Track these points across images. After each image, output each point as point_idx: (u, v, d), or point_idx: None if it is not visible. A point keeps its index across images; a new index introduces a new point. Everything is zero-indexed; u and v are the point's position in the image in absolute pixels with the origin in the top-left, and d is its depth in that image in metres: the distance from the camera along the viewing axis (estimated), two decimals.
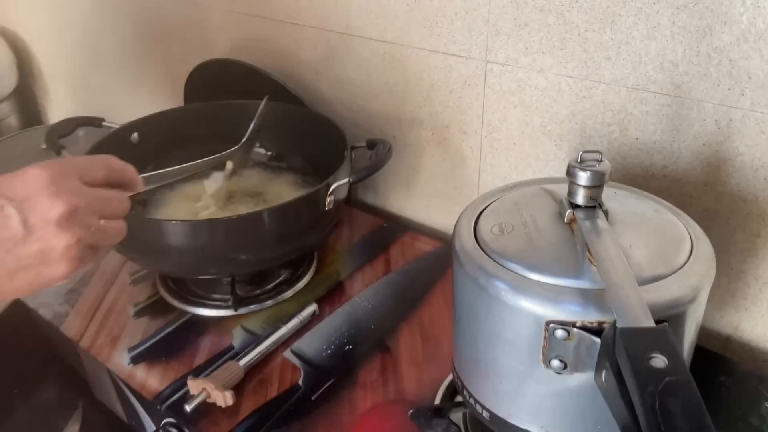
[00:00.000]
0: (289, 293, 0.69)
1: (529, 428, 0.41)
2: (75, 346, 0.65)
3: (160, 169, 0.52)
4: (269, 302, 0.68)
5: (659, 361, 0.29)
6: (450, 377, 0.57)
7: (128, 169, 0.43)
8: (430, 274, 0.72)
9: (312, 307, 0.66)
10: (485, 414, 0.44)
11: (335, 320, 0.66)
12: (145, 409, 0.61)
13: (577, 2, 0.59)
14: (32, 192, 0.37)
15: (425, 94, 0.76)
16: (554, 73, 0.63)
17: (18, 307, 0.70)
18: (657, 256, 0.39)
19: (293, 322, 0.64)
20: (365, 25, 0.76)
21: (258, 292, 0.69)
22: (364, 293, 0.69)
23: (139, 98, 1.12)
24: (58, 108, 1.30)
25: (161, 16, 1.00)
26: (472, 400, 0.45)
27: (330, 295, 0.69)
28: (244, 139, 0.71)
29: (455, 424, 0.51)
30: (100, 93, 1.19)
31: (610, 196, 0.45)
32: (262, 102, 0.74)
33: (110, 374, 0.62)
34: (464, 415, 0.53)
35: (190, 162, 0.58)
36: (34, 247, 0.37)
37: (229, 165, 0.71)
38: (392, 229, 0.81)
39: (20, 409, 0.77)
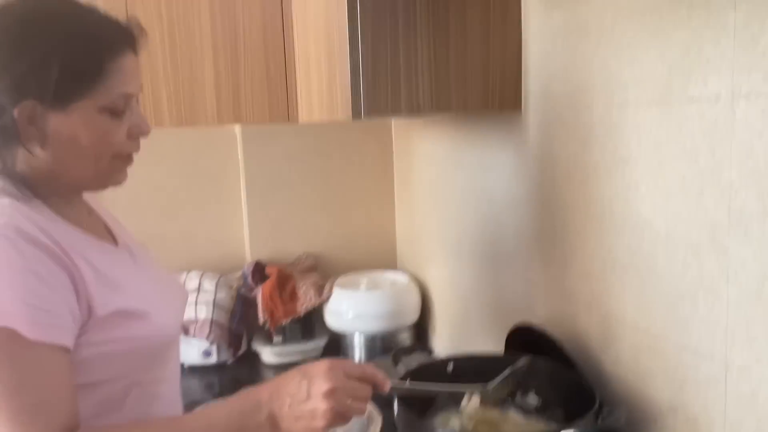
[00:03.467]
0: None
1: None
2: None
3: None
4: None
5: None
6: None
7: (378, 375, 0.75)
8: None
9: None
10: None
11: None
12: None
13: None
14: (316, 374, 0.73)
15: (679, 384, 0.86)
16: None
17: None
18: None
19: None
20: (637, 318, 0.93)
21: None
22: None
23: (472, 337, 1.44)
24: (439, 339, 1.72)
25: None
26: None
27: None
28: (494, 383, 0.93)
29: None
30: (465, 334, 1.56)
31: None
32: (522, 361, 0.96)
33: None
34: None
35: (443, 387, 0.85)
36: (309, 406, 0.73)
37: (475, 400, 0.93)
38: None
39: None
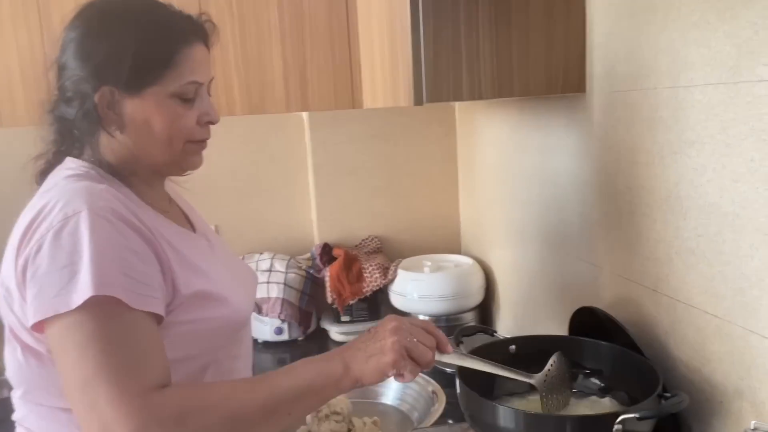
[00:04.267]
0: None
1: None
2: None
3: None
4: None
5: None
6: None
7: (441, 335, 0.81)
8: None
9: None
10: None
11: None
12: None
13: None
14: (382, 322, 0.81)
15: (746, 368, 0.85)
16: None
17: None
18: None
19: None
20: (703, 301, 0.92)
21: None
22: None
23: (536, 319, 1.45)
24: (503, 322, 1.74)
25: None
26: None
27: None
28: (542, 373, 0.94)
29: None
30: (528, 317, 1.56)
31: None
32: (553, 357, 0.96)
33: None
34: None
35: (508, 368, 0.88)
36: (378, 344, 0.80)
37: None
38: None
39: None
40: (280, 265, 1.79)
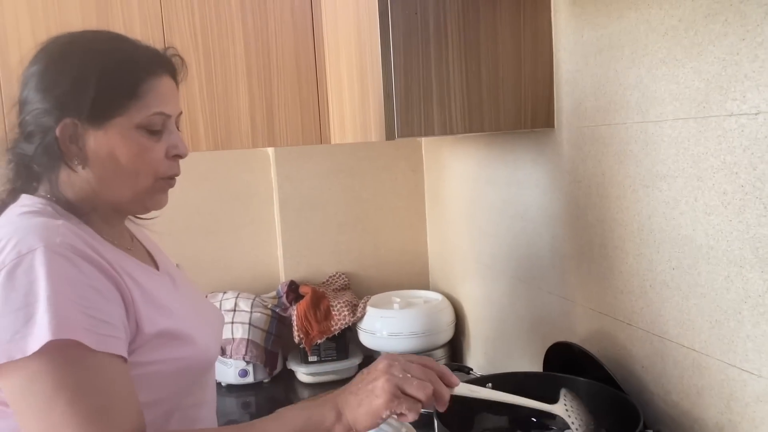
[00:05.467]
0: None
1: None
2: None
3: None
4: None
5: None
6: None
7: (443, 368, 0.77)
8: None
9: None
10: None
11: None
12: None
13: None
14: (378, 362, 0.76)
15: (725, 402, 0.84)
16: None
17: None
18: None
19: None
20: (679, 334, 0.92)
21: None
22: None
23: (509, 355, 1.43)
24: (474, 358, 1.71)
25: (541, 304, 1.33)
26: None
27: None
28: (561, 402, 0.93)
29: None
30: (501, 353, 1.55)
31: None
32: (562, 393, 0.95)
33: None
34: None
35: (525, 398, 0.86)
36: (368, 386, 0.75)
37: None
38: None
39: None
40: (245, 305, 1.73)
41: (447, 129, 1.13)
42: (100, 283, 0.78)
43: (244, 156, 1.86)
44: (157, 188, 0.91)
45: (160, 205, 0.94)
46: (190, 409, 0.92)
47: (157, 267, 0.99)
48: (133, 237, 1.00)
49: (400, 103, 1.10)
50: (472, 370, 1.10)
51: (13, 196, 0.90)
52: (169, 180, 0.93)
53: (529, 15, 1.15)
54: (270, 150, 1.85)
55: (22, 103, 0.88)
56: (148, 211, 0.95)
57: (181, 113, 0.94)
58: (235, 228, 1.88)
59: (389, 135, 1.11)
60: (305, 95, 1.58)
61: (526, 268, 1.36)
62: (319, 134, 1.60)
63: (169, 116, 0.90)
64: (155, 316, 0.85)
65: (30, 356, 0.71)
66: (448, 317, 1.70)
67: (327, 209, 1.88)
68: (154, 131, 0.88)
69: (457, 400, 0.83)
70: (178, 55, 0.94)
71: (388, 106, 1.10)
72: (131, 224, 1.02)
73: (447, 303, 1.73)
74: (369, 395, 0.76)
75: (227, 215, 1.88)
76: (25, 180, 0.89)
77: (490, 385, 1.04)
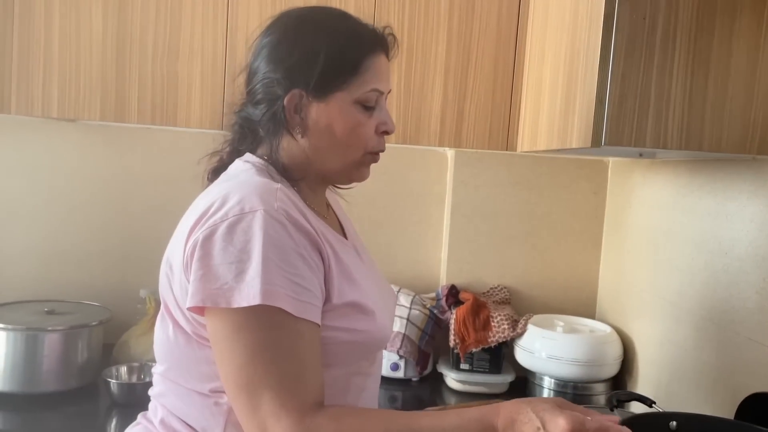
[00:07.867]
0: None
1: None
2: None
3: None
4: None
5: None
6: None
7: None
8: None
9: None
10: None
11: None
12: None
13: None
14: (553, 414, 0.70)
15: None
16: None
17: None
18: None
19: None
20: None
21: None
22: None
23: (684, 402, 1.29)
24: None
25: None
26: None
27: None
28: None
29: None
30: (676, 399, 1.41)
31: None
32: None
33: None
34: None
35: None
36: None
37: None
38: None
39: None
40: (404, 300, 1.75)
41: (660, 142, 1.05)
42: (306, 251, 0.82)
43: (424, 155, 1.88)
44: (363, 162, 0.95)
45: (362, 177, 0.97)
46: (359, 378, 0.93)
47: (345, 236, 1.02)
48: (329, 207, 1.05)
49: (611, 110, 1.04)
50: (654, 403, 1.00)
51: (232, 157, 0.98)
52: (375, 155, 0.96)
53: None
54: (450, 152, 1.86)
55: (253, 72, 0.94)
56: (351, 182, 0.98)
57: (390, 91, 0.97)
58: (404, 224, 1.91)
59: (595, 142, 1.05)
60: (498, 100, 1.56)
61: (722, 310, 1.22)
62: (506, 141, 1.58)
63: (382, 93, 0.93)
64: (346, 288, 0.87)
65: (235, 309, 0.76)
66: (615, 351, 1.59)
67: (498, 219, 1.84)
68: (368, 107, 0.92)
69: None
70: (393, 35, 0.97)
71: (598, 112, 1.05)
72: (328, 194, 1.06)
73: (616, 336, 1.62)
74: None
75: (398, 211, 1.91)
76: (248, 143, 0.96)
77: (674, 423, 0.95)
